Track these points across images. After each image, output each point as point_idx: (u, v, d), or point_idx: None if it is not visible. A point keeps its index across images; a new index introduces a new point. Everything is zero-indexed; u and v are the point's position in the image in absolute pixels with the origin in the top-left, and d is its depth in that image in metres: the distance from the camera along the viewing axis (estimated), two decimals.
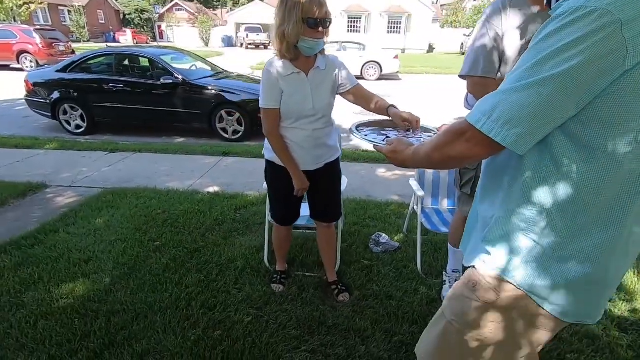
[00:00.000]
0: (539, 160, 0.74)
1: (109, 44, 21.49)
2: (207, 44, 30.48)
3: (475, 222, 0.95)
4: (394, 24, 26.25)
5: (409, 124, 1.53)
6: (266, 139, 1.89)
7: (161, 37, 35.72)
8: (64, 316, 1.85)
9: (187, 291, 2.05)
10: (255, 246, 2.51)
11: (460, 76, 1.69)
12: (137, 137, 5.66)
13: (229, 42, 31.06)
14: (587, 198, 0.71)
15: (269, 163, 1.87)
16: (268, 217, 2.32)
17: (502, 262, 0.81)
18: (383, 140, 1.19)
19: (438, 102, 8.54)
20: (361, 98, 1.80)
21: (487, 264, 0.84)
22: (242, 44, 28.69)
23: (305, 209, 2.09)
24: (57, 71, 5.79)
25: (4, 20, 19.76)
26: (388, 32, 25.96)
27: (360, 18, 26.14)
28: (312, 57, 1.70)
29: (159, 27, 36.11)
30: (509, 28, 1.46)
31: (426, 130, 1.36)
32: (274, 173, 1.87)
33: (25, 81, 5.84)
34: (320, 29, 1.59)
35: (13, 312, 1.88)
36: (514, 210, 0.79)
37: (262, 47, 27.71)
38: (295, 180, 1.79)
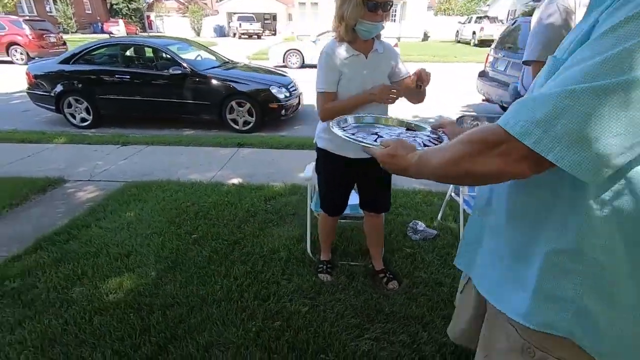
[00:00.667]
0: (608, 184, 0.57)
1: (111, 35, 20.81)
2: (198, 34, 29.86)
3: (480, 236, 0.83)
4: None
5: (418, 78, 1.55)
6: (318, 128, 1.87)
7: (150, 28, 34.90)
8: (118, 311, 1.83)
9: (236, 283, 2.04)
10: (295, 236, 2.50)
11: (525, 62, 1.67)
12: (145, 130, 5.56)
13: (221, 32, 30.46)
14: None
15: (322, 152, 1.84)
16: (311, 207, 2.30)
17: (555, 319, 0.65)
18: (375, 140, 0.98)
19: (438, 90, 8.54)
20: (408, 88, 1.78)
21: (535, 318, 0.67)
22: (234, 34, 28.18)
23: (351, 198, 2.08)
24: (60, 63, 5.62)
25: None
26: None
27: None
28: (370, 40, 1.69)
29: (148, 17, 35.24)
30: (581, 4, 1.43)
31: (421, 128, 1.19)
32: (328, 162, 1.84)
33: (26, 73, 5.66)
34: (380, 12, 1.57)
35: (65, 308, 1.85)
36: (569, 251, 0.62)
37: (256, 36, 27.22)
38: (376, 92, 1.62)
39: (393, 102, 1.67)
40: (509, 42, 5.84)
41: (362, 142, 0.94)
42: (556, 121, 0.52)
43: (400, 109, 1.82)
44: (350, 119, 1.24)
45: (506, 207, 0.76)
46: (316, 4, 26.28)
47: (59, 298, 1.92)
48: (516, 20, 6.04)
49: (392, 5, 1.63)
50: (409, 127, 1.19)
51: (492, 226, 0.80)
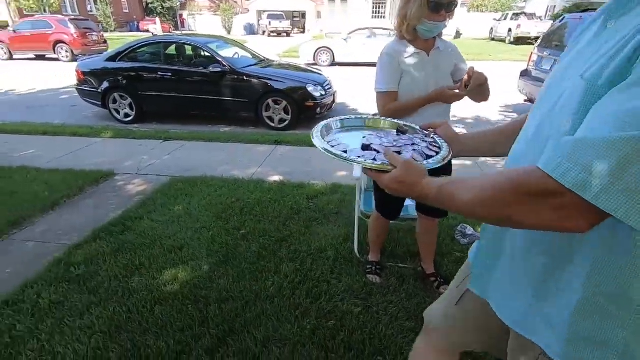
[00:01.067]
0: None
1: (153, 34, 21.60)
2: (229, 32, 30.40)
3: (494, 259, 0.77)
4: None
5: (468, 78, 1.44)
6: None
7: (182, 26, 35.89)
8: (177, 302, 1.89)
9: (287, 280, 2.06)
10: (341, 235, 2.49)
11: None
12: (183, 126, 5.72)
13: (250, 30, 30.93)
14: None
15: None
16: (360, 208, 2.29)
17: None
18: (374, 159, 0.81)
19: None
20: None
21: None
22: (264, 32, 28.51)
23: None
24: (107, 60, 5.87)
25: (36, 11, 20.23)
26: None
27: (385, 3, 25.52)
28: (432, 39, 1.68)
29: (181, 15, 36.26)
30: None
31: (412, 129, 1.05)
32: None
33: (76, 71, 5.95)
34: (443, 12, 1.56)
35: (127, 297, 1.93)
36: (611, 295, 0.57)
37: (285, 34, 27.43)
38: (449, 95, 1.60)
39: (458, 100, 1.65)
40: (555, 40, 5.59)
41: (357, 162, 0.79)
42: (622, 172, 0.44)
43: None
44: (335, 124, 1.05)
45: (523, 233, 0.68)
46: (346, 1, 26.17)
47: (120, 287, 2.01)
48: (564, 18, 5.76)
49: (456, 5, 1.60)
50: (400, 129, 1.06)
51: (509, 250, 0.73)
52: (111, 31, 27.00)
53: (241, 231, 2.55)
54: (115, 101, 5.82)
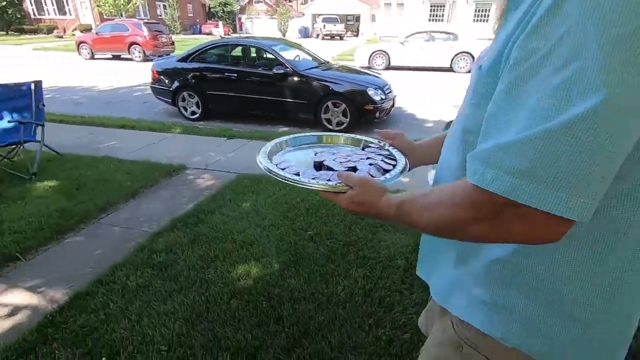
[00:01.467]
0: None
1: (223, 36, 22.88)
2: (284, 35, 31.26)
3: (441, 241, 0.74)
4: (481, 11, 24.38)
5: None
6: None
7: (240, 29, 37.53)
8: (251, 297, 1.94)
9: (358, 286, 2.03)
10: (410, 245, 2.42)
11: None
12: (243, 124, 5.92)
13: (305, 33, 31.54)
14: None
15: None
16: None
17: (504, 330, 0.61)
18: (328, 180, 0.73)
19: None
20: None
21: (493, 327, 0.62)
22: (317, 35, 28.92)
23: None
24: (179, 60, 6.26)
25: (115, 15, 22.24)
26: (474, 20, 24.19)
27: (443, 6, 24.72)
28: None
29: (239, 19, 37.96)
30: None
31: (368, 142, 0.96)
32: None
33: (152, 70, 6.40)
34: None
35: (205, 288, 2.02)
36: (509, 261, 0.59)
37: (338, 37, 27.60)
38: None
39: None
40: None
41: (315, 185, 0.72)
42: (557, 171, 0.43)
43: None
44: (286, 142, 0.97)
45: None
46: (402, 4, 25.73)
47: (198, 277, 2.11)
48: None
49: None
50: (354, 142, 0.98)
51: None
52: (176, 33, 28.93)
53: (308, 232, 2.57)
54: (184, 99, 6.18)
